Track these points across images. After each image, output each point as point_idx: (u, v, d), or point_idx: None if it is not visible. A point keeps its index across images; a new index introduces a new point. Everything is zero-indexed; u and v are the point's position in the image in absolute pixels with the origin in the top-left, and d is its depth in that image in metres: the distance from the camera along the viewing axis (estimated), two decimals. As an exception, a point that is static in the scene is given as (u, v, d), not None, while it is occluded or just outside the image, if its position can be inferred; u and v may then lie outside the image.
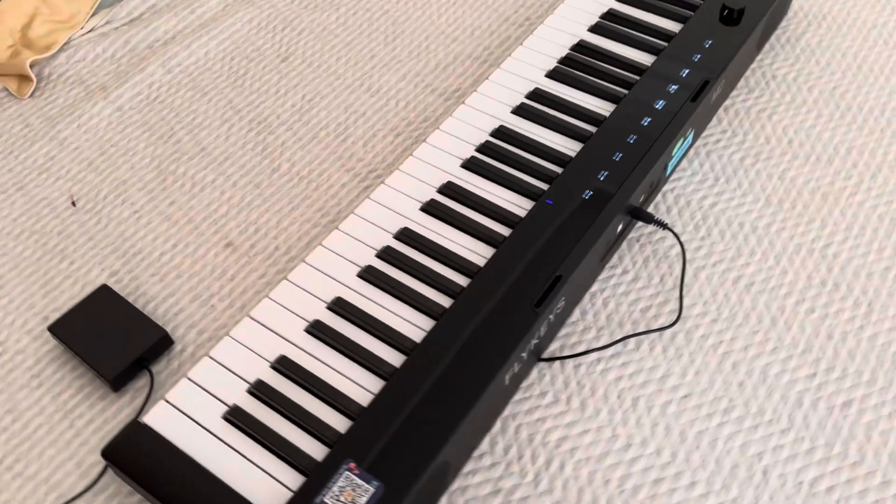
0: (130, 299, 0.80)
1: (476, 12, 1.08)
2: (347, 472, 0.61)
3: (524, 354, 0.70)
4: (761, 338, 0.74)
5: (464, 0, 1.10)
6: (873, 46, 0.99)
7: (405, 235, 0.76)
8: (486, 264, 0.73)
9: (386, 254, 0.75)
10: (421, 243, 0.76)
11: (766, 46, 1.01)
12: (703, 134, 0.92)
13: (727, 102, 0.95)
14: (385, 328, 0.70)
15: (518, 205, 0.78)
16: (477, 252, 0.75)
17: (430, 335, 0.68)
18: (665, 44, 0.92)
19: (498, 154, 0.83)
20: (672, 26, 0.95)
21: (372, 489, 0.60)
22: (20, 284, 0.82)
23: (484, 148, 0.83)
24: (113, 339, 0.75)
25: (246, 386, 0.67)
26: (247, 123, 0.96)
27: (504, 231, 0.76)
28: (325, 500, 0.59)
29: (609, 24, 0.95)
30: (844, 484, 0.65)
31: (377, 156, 0.92)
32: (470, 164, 0.82)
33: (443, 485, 0.65)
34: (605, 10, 0.97)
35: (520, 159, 0.82)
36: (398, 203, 0.79)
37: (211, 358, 0.69)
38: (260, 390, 0.67)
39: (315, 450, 0.63)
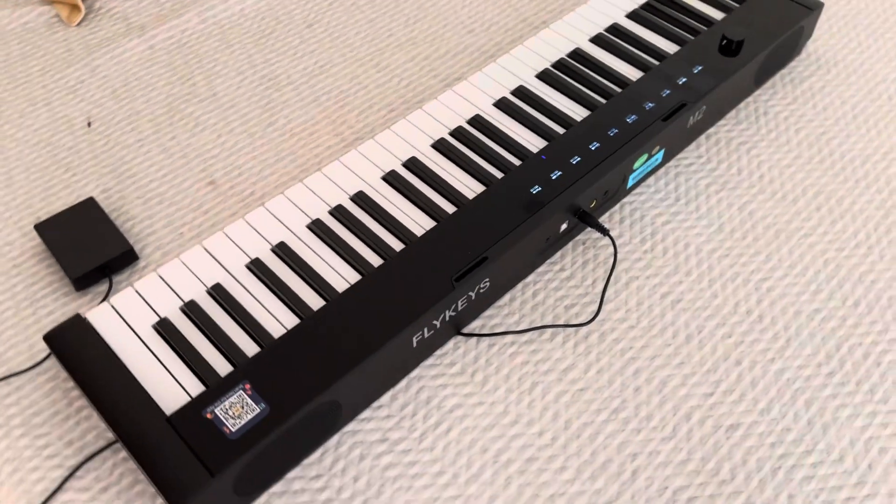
0: (113, 216, 0.89)
1: (498, 9, 1.13)
2: (241, 391, 0.67)
3: (436, 322, 0.74)
4: (671, 351, 0.77)
5: (489, -4, 1.15)
6: (875, 99, 1.00)
7: (359, 198, 0.82)
8: (423, 235, 0.78)
9: (337, 211, 0.81)
10: (371, 207, 0.81)
11: (769, 83, 1.03)
12: (679, 156, 0.94)
13: (711, 130, 0.97)
14: (315, 275, 0.76)
15: (470, 188, 0.83)
16: (419, 223, 0.80)
17: (353, 288, 0.74)
18: (657, 63, 0.95)
19: (467, 139, 0.87)
20: (670, 48, 0.97)
21: (258, 409, 0.66)
22: (24, 186, 0.91)
23: (456, 132, 0.88)
24: (85, 245, 0.83)
25: (180, 303, 0.74)
26: (258, 78, 1.04)
27: (449, 208, 0.81)
28: (216, 410, 0.66)
29: (610, 37, 0.99)
30: (707, 498, 0.68)
31: (367, 126, 0.98)
32: (439, 145, 0.87)
33: (333, 422, 0.71)
34: (609, 23, 1.01)
35: (485, 148, 0.86)
36: (363, 168, 0.85)
37: (158, 275, 0.77)
38: (190, 309, 0.74)
39: (222, 367, 0.70)
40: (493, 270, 0.77)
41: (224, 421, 0.65)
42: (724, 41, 0.95)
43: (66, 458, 0.71)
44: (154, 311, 0.74)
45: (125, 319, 0.73)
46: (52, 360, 0.77)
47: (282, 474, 0.70)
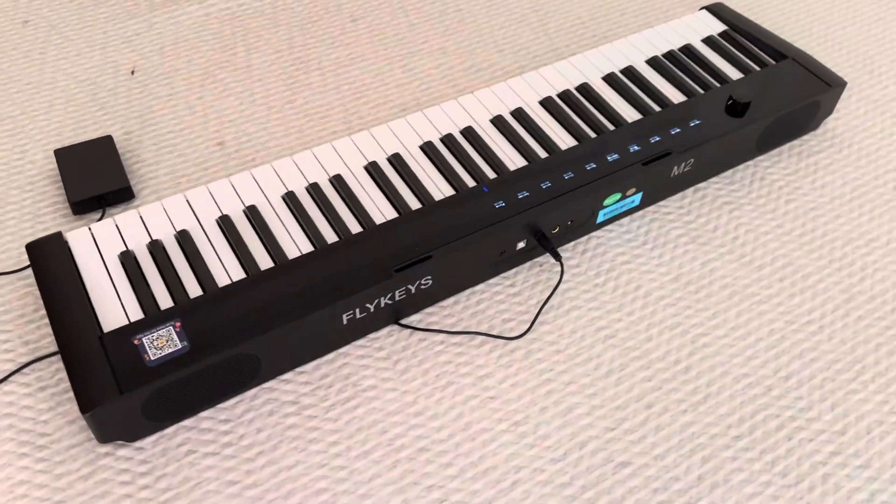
0: (124, 156, 0.97)
1: (532, 35, 1.17)
2: (171, 327, 0.73)
3: (370, 307, 0.79)
4: (588, 381, 0.79)
5: (528, 23, 1.19)
6: (879, 186, 0.99)
7: (336, 181, 0.88)
8: (382, 224, 0.83)
9: (312, 189, 0.87)
10: (343, 190, 0.87)
11: (775, 151, 1.03)
12: (661, 203, 0.96)
13: (702, 184, 0.98)
14: (273, 240, 0.82)
15: (440, 190, 0.88)
16: (382, 212, 0.85)
17: (302, 257, 0.80)
18: (657, 109, 0.97)
19: (453, 147, 0.92)
20: (677, 97, 0.99)
21: (179, 346, 0.72)
22: (61, 116, 1.01)
23: (446, 139, 0.93)
24: (91, 176, 0.92)
25: (148, 240, 0.82)
26: (292, 59, 1.11)
27: (415, 204, 0.86)
28: (144, 338, 0.72)
29: (621, 77, 1.01)
30: (575, 523, 0.70)
31: (376, 119, 1.04)
32: (426, 147, 0.92)
33: (251, 375, 0.76)
34: (626, 65, 1.03)
35: (467, 157, 0.91)
36: (349, 155, 0.91)
37: (138, 213, 0.84)
38: (154, 246, 0.81)
39: (165, 302, 0.76)
40: (438, 270, 0.81)
41: (147, 349, 0.72)
42: (731, 101, 0.96)
43: (19, 354, 0.79)
44: (124, 242, 0.82)
45: (97, 244, 0.81)
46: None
47: (193, 411, 0.76)
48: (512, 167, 0.90)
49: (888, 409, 0.78)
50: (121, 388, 0.69)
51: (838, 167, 1.01)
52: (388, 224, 0.83)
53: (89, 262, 0.80)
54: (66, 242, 0.81)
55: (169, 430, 0.75)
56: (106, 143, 0.96)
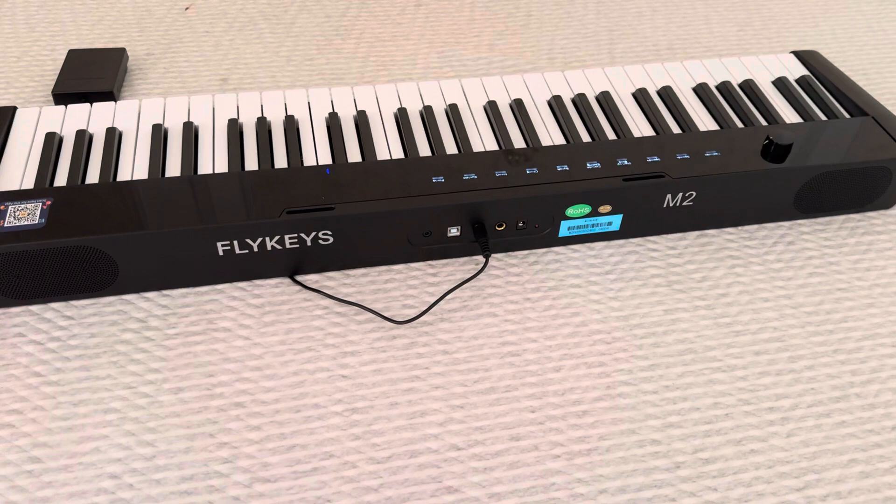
0: (133, 72, 0.99)
1: (595, 51, 1.06)
2: (40, 203, 0.70)
3: (251, 243, 0.71)
4: (459, 391, 0.66)
5: (596, 39, 1.09)
6: (945, 287, 0.77)
7: (288, 121, 0.82)
8: (305, 167, 0.76)
9: (259, 122, 0.82)
10: (289, 128, 0.81)
11: (824, 219, 0.84)
12: (650, 237, 0.81)
13: (712, 232, 0.82)
14: (191, 154, 0.77)
15: (391, 153, 0.79)
16: (318, 157, 0.78)
17: (210, 175, 0.74)
18: (679, 132, 0.83)
19: (428, 119, 0.84)
20: (710, 125, 0.84)
21: (35, 222, 0.69)
22: (100, 27, 1.05)
23: (426, 109, 0.85)
24: (85, 77, 0.94)
25: (80, 128, 0.80)
26: (336, 27, 1.09)
27: (354, 158, 0.78)
28: (11, 206, 0.70)
29: (650, 95, 0.89)
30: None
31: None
32: (398, 113, 0.84)
33: (108, 278, 0.71)
34: (664, 85, 0.90)
35: (435, 130, 0.82)
36: (316, 102, 0.85)
37: (89, 105, 0.83)
38: (81, 136, 0.79)
39: (61, 182, 0.74)
40: (340, 228, 0.72)
41: (6, 216, 0.69)
42: (768, 140, 0.80)
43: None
44: (61, 125, 0.81)
45: (38, 122, 0.81)
46: None
47: (42, 297, 0.71)
48: (478, 149, 0.80)
49: (829, 539, 0.58)
50: (-38, 243, 0.67)
51: (886, 253, 0.80)
52: (311, 168, 0.75)
53: (21, 134, 0.79)
54: (13, 115, 0.81)
55: (14, 310, 0.71)
56: (117, 53, 0.97)
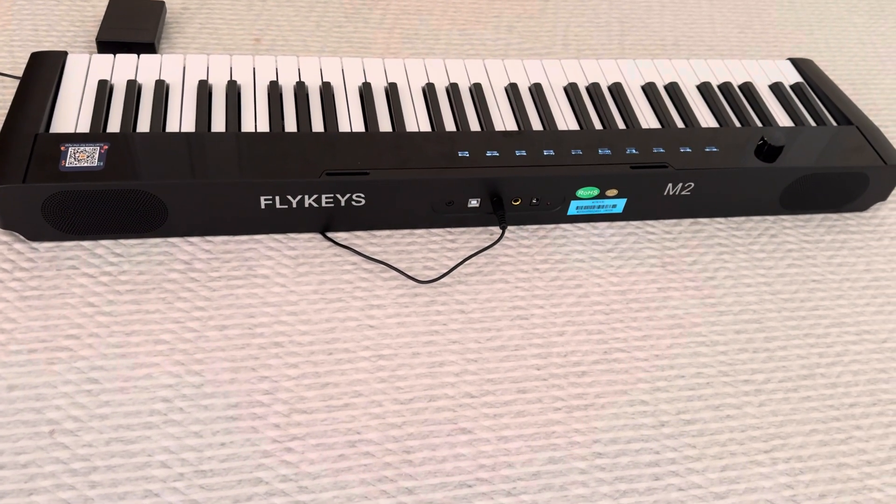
0: (170, 25, 1.03)
1: (606, 41, 1.13)
2: (98, 147, 0.76)
3: (291, 199, 0.78)
4: (474, 347, 0.74)
5: (608, 30, 1.15)
6: (905, 286, 0.86)
7: (324, 87, 0.88)
8: (344, 132, 0.82)
9: (298, 86, 0.88)
10: (326, 95, 0.87)
11: (804, 216, 0.93)
12: (649, 221, 0.89)
13: (704, 220, 0.90)
14: (237, 111, 0.83)
15: (419, 125, 0.86)
16: (352, 124, 0.84)
17: (252, 134, 0.80)
18: (683, 126, 0.91)
19: (453, 95, 0.90)
20: (708, 123, 0.92)
21: (95, 165, 0.74)
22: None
23: (451, 87, 0.91)
24: (127, 26, 0.98)
25: (130, 79, 0.85)
26: (380, 8, 1.14)
27: (385, 128, 0.85)
28: (71, 147, 0.75)
29: (658, 89, 0.96)
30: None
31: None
32: (427, 88, 0.91)
33: (156, 219, 0.77)
34: (671, 81, 0.97)
35: (461, 107, 0.88)
36: (350, 72, 0.91)
37: (137, 56, 0.88)
38: (131, 85, 0.84)
39: (113, 128, 0.79)
40: (372, 192, 0.79)
41: (67, 157, 0.74)
42: (762, 141, 0.88)
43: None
44: (111, 73, 0.86)
45: (88, 68, 0.86)
46: (38, 81, 0.92)
47: (94, 234, 0.77)
48: (499, 128, 0.87)
49: (787, 494, 0.67)
50: (26, 178, 0.72)
51: (868, 253, 0.89)
52: (347, 134, 0.82)
53: (74, 79, 0.84)
54: (65, 60, 0.86)
55: (67, 244, 0.77)
56: (157, 6, 1.02)
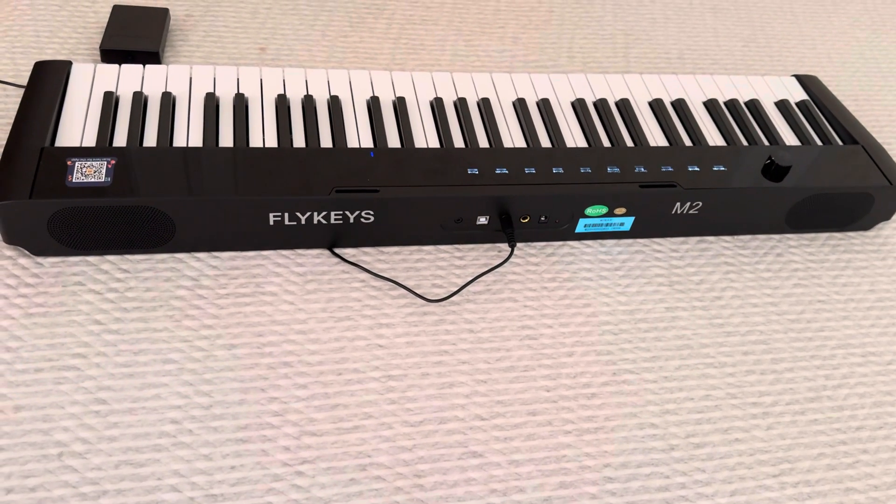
0: (174, 32, 1.02)
1: (611, 53, 1.13)
2: (105, 162, 0.75)
3: (300, 216, 0.77)
4: (483, 367, 0.74)
5: (613, 42, 1.15)
6: (910, 307, 0.87)
7: (332, 100, 0.88)
8: (349, 147, 0.81)
9: (306, 99, 0.87)
10: (334, 109, 0.86)
11: (809, 236, 0.93)
12: (656, 239, 0.89)
13: (710, 238, 0.90)
14: (243, 126, 0.82)
15: (427, 141, 0.85)
16: (360, 138, 0.84)
17: (259, 148, 0.79)
18: (690, 145, 0.91)
19: (461, 110, 0.89)
20: (716, 141, 0.92)
21: (102, 180, 0.73)
22: (139, -18, 1.08)
23: (458, 102, 0.91)
24: (131, 35, 0.97)
25: (136, 90, 0.84)
26: (368, 5, 1.13)
27: (394, 143, 0.84)
28: (77, 162, 0.74)
29: (666, 106, 0.96)
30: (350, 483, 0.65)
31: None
32: (434, 102, 0.90)
33: (164, 236, 0.76)
34: (678, 97, 0.97)
35: (469, 122, 0.88)
36: (358, 84, 0.91)
37: (143, 67, 0.87)
38: (138, 97, 0.83)
39: (120, 142, 0.78)
40: (382, 209, 0.78)
41: (74, 172, 0.73)
42: (770, 161, 0.88)
43: (-12, 152, 0.83)
44: (117, 85, 0.85)
45: (93, 79, 0.85)
46: (41, 90, 0.90)
47: (101, 249, 0.77)
48: (508, 144, 0.87)
49: (797, 519, 0.67)
50: (32, 194, 0.71)
51: (872, 273, 0.90)
52: (354, 150, 0.81)
53: (78, 90, 0.83)
54: (69, 70, 0.85)
55: (73, 259, 0.76)
56: (161, 13, 1.01)
